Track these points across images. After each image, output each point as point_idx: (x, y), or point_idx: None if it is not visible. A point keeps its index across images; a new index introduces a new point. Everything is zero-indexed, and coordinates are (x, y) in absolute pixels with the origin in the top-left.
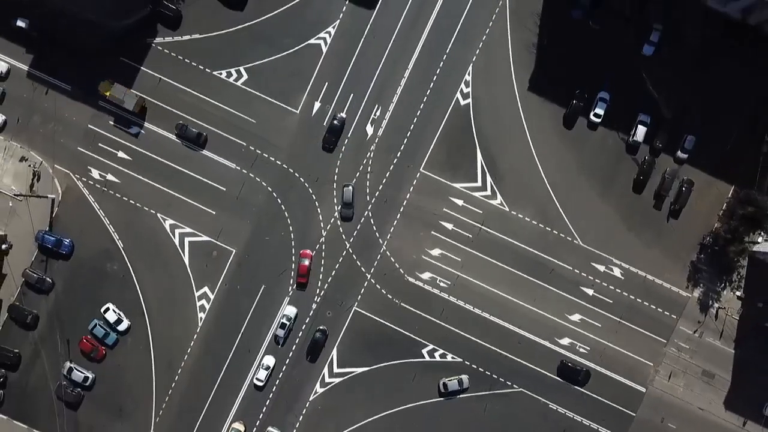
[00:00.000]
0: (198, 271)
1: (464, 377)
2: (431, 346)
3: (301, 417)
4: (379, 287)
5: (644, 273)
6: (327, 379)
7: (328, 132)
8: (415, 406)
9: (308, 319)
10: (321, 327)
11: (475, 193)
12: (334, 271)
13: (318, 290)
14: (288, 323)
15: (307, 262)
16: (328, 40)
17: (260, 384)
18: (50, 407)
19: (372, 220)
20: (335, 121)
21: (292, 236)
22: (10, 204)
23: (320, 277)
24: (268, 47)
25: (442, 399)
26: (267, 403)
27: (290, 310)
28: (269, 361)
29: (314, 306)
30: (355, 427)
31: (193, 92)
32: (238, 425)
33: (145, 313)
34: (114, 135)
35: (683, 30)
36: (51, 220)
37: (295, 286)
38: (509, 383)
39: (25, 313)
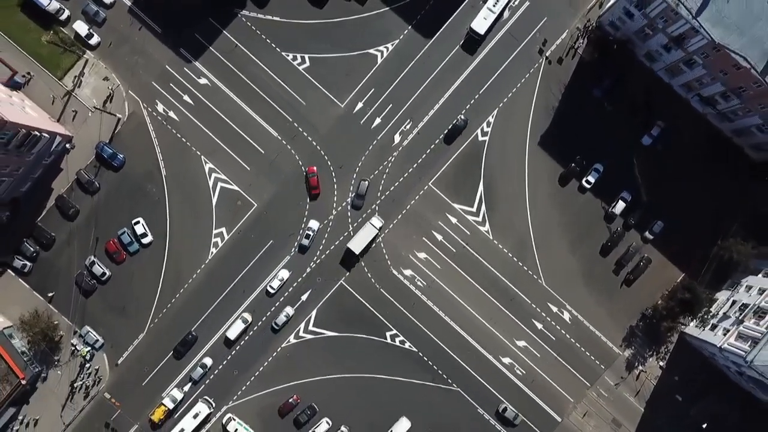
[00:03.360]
0: (221, 213)
1: (521, 417)
2: (395, 332)
3: (270, 359)
4: (366, 270)
5: (588, 323)
6: (301, 333)
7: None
8: (367, 377)
9: (300, 279)
10: (463, 117)
11: (468, 216)
12: (333, 246)
13: (316, 258)
14: (312, 234)
15: (315, 177)
16: (385, 54)
17: (272, 291)
18: (67, 289)
19: (377, 214)
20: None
21: (307, 207)
22: (90, 114)
23: (320, 248)
24: (333, 45)
25: (393, 377)
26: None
27: (313, 223)
28: (284, 274)
29: (308, 270)
30: (311, 380)
31: (260, 64)
32: (246, 315)
33: (167, 235)
34: (185, 80)
35: (680, 132)
36: (112, 135)
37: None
38: (450, 381)
39: (70, 205)
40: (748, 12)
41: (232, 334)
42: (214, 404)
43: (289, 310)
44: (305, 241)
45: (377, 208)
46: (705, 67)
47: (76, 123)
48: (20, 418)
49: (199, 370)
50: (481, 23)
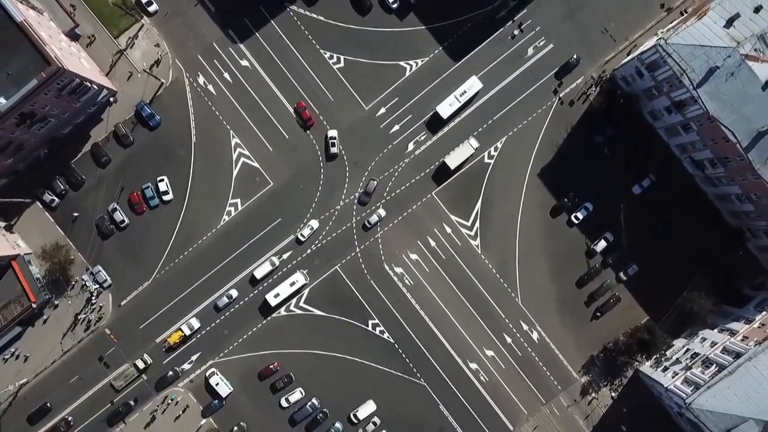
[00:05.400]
0: (239, 186)
1: None
2: (377, 321)
3: (260, 325)
4: (361, 261)
5: (554, 346)
6: (292, 308)
7: None
8: (344, 357)
9: (298, 260)
10: (576, 56)
11: (462, 229)
12: (334, 234)
13: (317, 243)
14: (336, 141)
15: (305, 109)
16: (414, 68)
17: (303, 240)
18: (88, 229)
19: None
20: None
21: (318, 194)
22: (139, 75)
23: (323, 234)
24: (369, 51)
25: (367, 363)
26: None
27: (333, 132)
28: (314, 224)
29: (308, 252)
30: (293, 351)
31: (299, 56)
32: (275, 259)
33: (186, 196)
34: (228, 59)
35: (669, 187)
36: (153, 97)
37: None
38: (418, 375)
39: (103, 153)
40: (742, 93)
41: (259, 273)
42: (308, 277)
43: (382, 212)
44: (333, 150)
45: (381, 206)
46: (699, 133)
47: (122, 79)
48: (13, 349)
49: (225, 299)
50: (445, 108)
